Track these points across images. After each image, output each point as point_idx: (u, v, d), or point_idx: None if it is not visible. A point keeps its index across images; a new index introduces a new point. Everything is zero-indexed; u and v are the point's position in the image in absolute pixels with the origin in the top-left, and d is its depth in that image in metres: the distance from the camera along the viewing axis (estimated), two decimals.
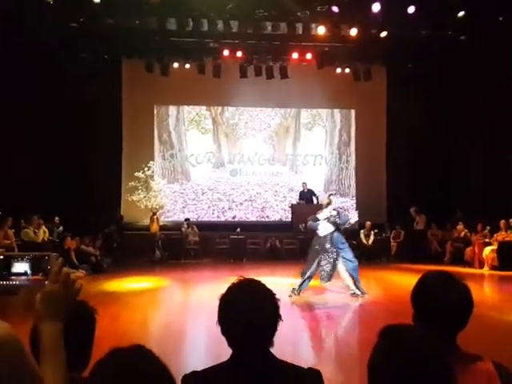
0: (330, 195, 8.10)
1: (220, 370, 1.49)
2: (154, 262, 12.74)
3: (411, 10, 10.41)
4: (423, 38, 12.17)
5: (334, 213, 7.69)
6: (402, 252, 13.21)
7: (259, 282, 1.48)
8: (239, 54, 13.29)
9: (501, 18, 11.07)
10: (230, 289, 1.45)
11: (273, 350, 1.49)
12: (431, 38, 12.19)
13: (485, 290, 9.50)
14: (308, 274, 7.60)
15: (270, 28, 11.98)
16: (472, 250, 12.03)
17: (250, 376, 1.42)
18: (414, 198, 13.75)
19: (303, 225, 13.44)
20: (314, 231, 7.79)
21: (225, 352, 1.52)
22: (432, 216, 13.45)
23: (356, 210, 7.87)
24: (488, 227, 11.99)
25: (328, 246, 7.50)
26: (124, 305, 7.44)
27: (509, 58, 12.37)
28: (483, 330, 5.09)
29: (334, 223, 7.59)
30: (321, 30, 11.61)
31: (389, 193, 14.56)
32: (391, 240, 13.64)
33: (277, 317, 1.41)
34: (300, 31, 11.83)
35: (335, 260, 7.54)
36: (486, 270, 11.29)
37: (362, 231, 13.41)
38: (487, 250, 11.46)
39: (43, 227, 10.45)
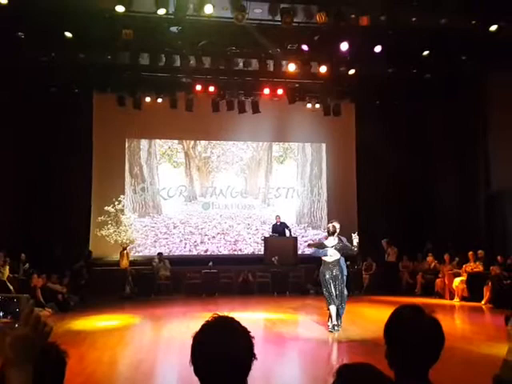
0: (334, 223, 8.25)
1: None
2: (124, 298, 12.39)
3: (378, 49, 10.81)
4: (390, 76, 12.62)
5: (338, 240, 8.04)
6: (374, 284, 13.26)
7: (233, 319, 1.45)
8: (211, 88, 13.43)
9: (463, 58, 11.61)
10: (203, 327, 1.41)
11: None
12: (397, 76, 12.65)
13: (455, 322, 9.59)
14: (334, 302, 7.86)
15: (241, 64, 12.20)
16: (442, 280, 12.19)
17: None
18: (384, 229, 13.94)
19: (276, 258, 13.46)
20: (319, 257, 8.17)
21: None
22: (403, 248, 13.62)
23: (354, 232, 8.20)
24: (457, 258, 12.19)
25: (337, 272, 7.91)
26: (92, 344, 7.18)
27: (472, 96, 12.94)
28: (453, 362, 5.11)
29: (339, 250, 7.97)
30: (291, 67, 11.89)
31: (360, 224, 14.72)
32: (363, 272, 13.70)
33: (251, 355, 1.39)
34: (271, 68, 12.07)
35: (342, 287, 7.96)
36: (456, 301, 11.43)
37: None
38: (457, 281, 11.63)
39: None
